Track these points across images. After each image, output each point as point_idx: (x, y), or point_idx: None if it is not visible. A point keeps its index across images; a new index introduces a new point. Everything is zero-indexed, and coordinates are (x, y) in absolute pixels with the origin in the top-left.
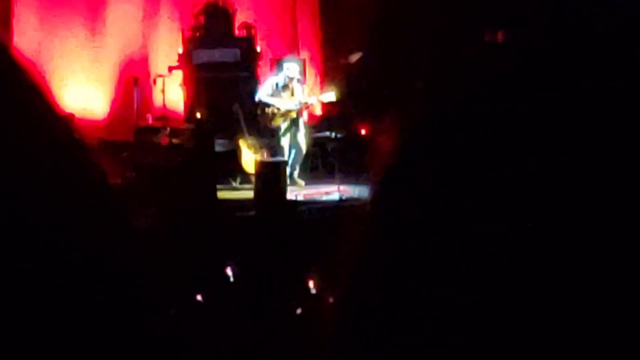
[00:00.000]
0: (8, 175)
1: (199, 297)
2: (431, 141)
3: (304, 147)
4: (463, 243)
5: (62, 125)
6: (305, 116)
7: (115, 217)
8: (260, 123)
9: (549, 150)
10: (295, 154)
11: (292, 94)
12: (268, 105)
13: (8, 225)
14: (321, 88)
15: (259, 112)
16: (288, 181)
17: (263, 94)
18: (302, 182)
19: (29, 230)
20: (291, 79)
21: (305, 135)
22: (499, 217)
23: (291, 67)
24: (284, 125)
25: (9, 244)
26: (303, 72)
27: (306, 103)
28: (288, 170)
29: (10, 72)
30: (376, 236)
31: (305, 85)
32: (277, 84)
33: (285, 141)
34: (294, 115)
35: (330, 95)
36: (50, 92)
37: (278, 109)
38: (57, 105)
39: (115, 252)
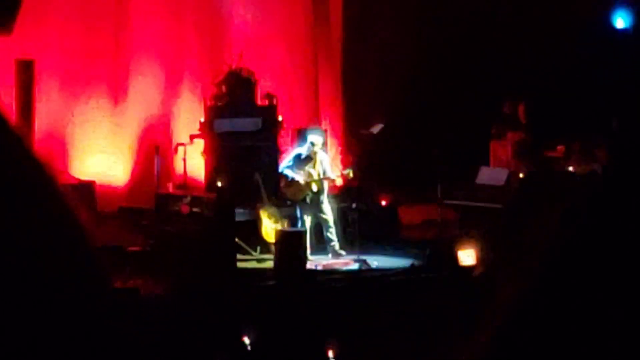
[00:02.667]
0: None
1: None
2: None
3: (330, 218)
4: None
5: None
6: (326, 187)
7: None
8: (284, 194)
9: None
10: (327, 227)
11: (315, 165)
12: (288, 177)
13: None
14: (342, 159)
15: (282, 183)
16: (330, 255)
17: (283, 166)
18: (342, 252)
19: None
20: (315, 150)
21: (330, 205)
22: None
23: (314, 138)
24: (307, 198)
25: None
26: (325, 143)
27: (328, 177)
28: (327, 240)
29: None
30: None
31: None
32: (299, 155)
33: (307, 215)
34: (314, 187)
35: (347, 173)
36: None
37: (298, 182)
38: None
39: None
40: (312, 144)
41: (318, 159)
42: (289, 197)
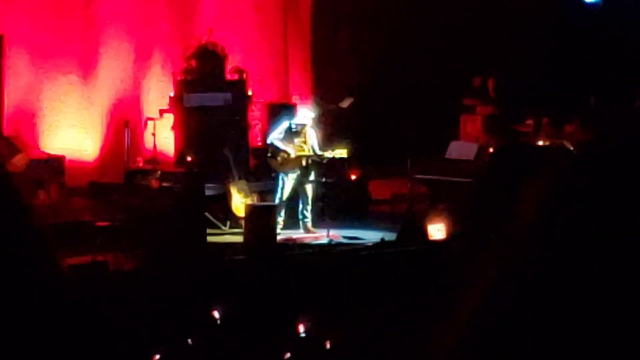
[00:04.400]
0: None
1: (189, 341)
2: None
3: (311, 195)
4: None
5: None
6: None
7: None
8: (270, 165)
9: None
10: (306, 203)
11: (305, 141)
12: (279, 149)
13: None
14: None
15: (269, 154)
16: (302, 229)
17: (275, 137)
18: (314, 230)
19: None
20: (304, 126)
21: (314, 182)
22: None
23: (306, 114)
24: (293, 172)
25: None
26: (321, 120)
27: (321, 155)
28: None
29: None
30: None
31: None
32: (290, 127)
33: (288, 187)
34: (303, 162)
35: (341, 153)
36: None
37: (289, 154)
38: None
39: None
40: (302, 120)
41: (307, 135)
42: (276, 168)
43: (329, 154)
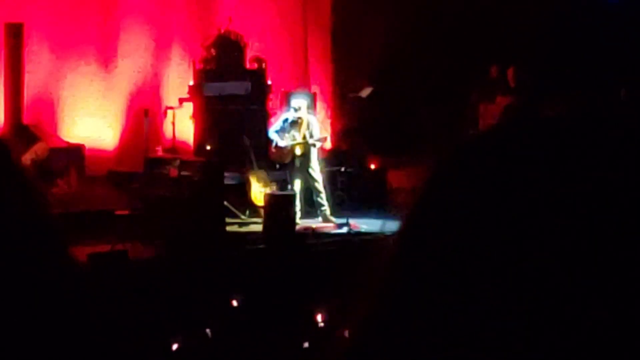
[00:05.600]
0: None
1: (207, 330)
2: None
3: (318, 183)
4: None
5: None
6: (314, 151)
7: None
8: (271, 158)
9: None
10: (317, 192)
11: (300, 129)
12: (272, 141)
13: None
14: (332, 123)
15: (271, 147)
16: (320, 219)
17: (271, 130)
18: (333, 219)
19: None
20: (300, 113)
21: (319, 169)
22: None
23: (297, 102)
24: (290, 162)
25: None
26: (313, 106)
27: (315, 140)
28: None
29: None
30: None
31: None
32: (287, 119)
33: (294, 177)
34: (298, 151)
35: (321, 139)
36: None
37: (282, 145)
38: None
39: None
40: (295, 109)
41: (305, 122)
42: (276, 161)
43: (312, 140)
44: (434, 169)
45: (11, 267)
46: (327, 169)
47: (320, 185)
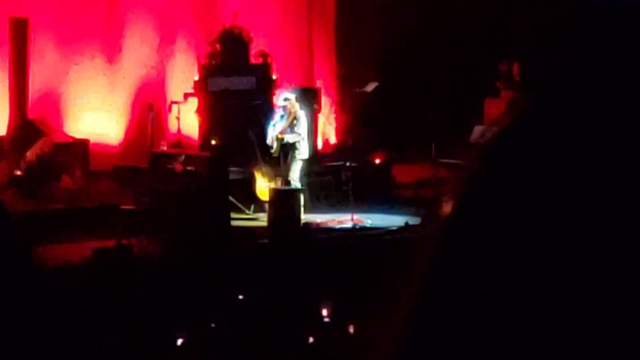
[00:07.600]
0: None
1: (213, 325)
2: None
3: (294, 179)
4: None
5: None
6: (303, 148)
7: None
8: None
9: None
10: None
11: (291, 124)
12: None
13: None
14: (336, 117)
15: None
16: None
17: (270, 125)
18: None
19: None
20: (285, 109)
21: (299, 167)
22: None
23: (286, 94)
24: (279, 157)
25: None
26: (318, 102)
27: (283, 137)
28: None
29: None
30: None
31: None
32: (281, 116)
33: (289, 170)
34: (274, 145)
35: (294, 137)
36: None
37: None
38: None
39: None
40: (284, 106)
41: (299, 119)
42: (273, 154)
43: (289, 137)
44: (473, 172)
45: None
46: (332, 163)
47: (296, 181)
